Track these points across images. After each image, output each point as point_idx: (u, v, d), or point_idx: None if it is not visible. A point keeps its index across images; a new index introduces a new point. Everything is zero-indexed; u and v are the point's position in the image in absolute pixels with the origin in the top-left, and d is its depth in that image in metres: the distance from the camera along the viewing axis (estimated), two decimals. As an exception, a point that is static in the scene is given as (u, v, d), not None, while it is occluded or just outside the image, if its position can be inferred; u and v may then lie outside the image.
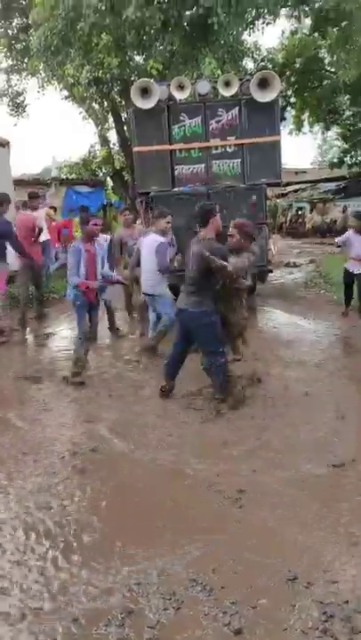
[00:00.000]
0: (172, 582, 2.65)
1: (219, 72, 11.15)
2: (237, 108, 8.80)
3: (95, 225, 6.03)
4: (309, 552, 2.88)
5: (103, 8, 11.26)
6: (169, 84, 8.78)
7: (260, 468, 3.80)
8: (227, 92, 8.74)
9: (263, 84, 8.57)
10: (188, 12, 11.92)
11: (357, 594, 2.57)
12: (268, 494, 3.46)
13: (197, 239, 4.98)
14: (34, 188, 13.25)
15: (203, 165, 8.89)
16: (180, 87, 8.73)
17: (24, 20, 18.89)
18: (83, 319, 6.14)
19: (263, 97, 8.57)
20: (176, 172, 8.89)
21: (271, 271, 9.31)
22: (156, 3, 11.33)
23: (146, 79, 9.14)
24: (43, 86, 18.17)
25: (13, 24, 19.44)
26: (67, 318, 8.91)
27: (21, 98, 21.05)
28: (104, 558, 2.86)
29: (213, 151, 8.91)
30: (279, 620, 2.42)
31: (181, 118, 8.82)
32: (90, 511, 3.34)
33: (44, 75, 15.99)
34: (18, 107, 20.91)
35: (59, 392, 5.58)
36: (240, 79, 8.93)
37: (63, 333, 8.26)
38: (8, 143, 9.71)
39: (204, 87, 8.82)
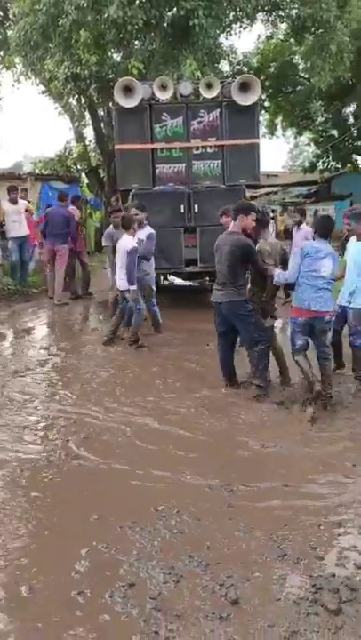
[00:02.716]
0: (170, 558, 2.79)
1: (199, 74, 11.32)
2: (218, 110, 8.99)
3: None
4: (297, 533, 3.06)
5: (85, 5, 11.30)
6: (152, 84, 8.90)
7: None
8: (208, 94, 8.92)
9: (244, 87, 8.79)
10: (169, 13, 12.05)
11: (342, 569, 2.76)
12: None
13: (225, 233, 5.35)
14: (9, 182, 13.19)
15: (183, 165, 9.05)
16: (163, 87, 8.86)
17: (0, 13, 18.77)
18: None
19: (244, 100, 8.78)
20: (157, 171, 9.03)
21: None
22: (138, 2, 11.42)
23: (129, 77, 9.24)
24: (18, 80, 18.08)
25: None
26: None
27: (-5, 91, 20.91)
28: (105, 536, 2.99)
29: (194, 151, 9.08)
30: (273, 592, 2.58)
31: (163, 118, 8.96)
32: (90, 494, 3.48)
33: (21, 69, 15.92)
34: (-8, 100, 20.73)
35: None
36: (221, 82, 9.13)
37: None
38: (-8, 138, 9.71)
39: (186, 88, 8.98)
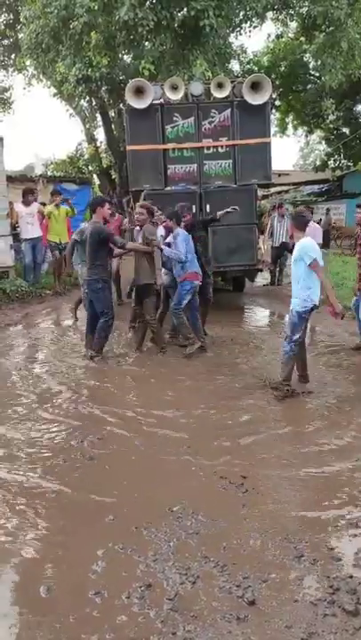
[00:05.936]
0: (186, 559, 2.80)
1: (209, 74, 11.30)
2: (230, 110, 8.96)
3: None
4: (313, 533, 3.05)
5: (96, 7, 11.34)
6: (162, 85, 8.90)
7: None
8: (219, 94, 8.89)
9: (255, 86, 8.76)
10: (179, 14, 12.05)
11: (360, 570, 2.74)
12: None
13: (89, 222, 6.55)
14: (22, 184, 13.29)
15: (195, 165, 9.03)
16: (174, 88, 8.86)
17: (11, 16, 18.89)
18: None
19: (255, 99, 8.75)
20: (169, 172, 9.02)
21: (261, 270, 9.49)
22: (148, 4, 11.44)
23: (140, 79, 9.25)
24: (30, 83, 18.22)
25: (0, 20, 19.40)
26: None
27: (7, 94, 21.05)
28: (121, 537, 3.00)
29: (205, 151, 9.05)
30: (290, 593, 2.57)
31: (175, 118, 8.95)
32: (105, 495, 3.49)
33: (32, 71, 16.02)
34: (4, 103, 20.89)
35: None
36: (232, 81, 9.11)
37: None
38: (1, 139, 9.75)
39: (197, 88, 8.96)
